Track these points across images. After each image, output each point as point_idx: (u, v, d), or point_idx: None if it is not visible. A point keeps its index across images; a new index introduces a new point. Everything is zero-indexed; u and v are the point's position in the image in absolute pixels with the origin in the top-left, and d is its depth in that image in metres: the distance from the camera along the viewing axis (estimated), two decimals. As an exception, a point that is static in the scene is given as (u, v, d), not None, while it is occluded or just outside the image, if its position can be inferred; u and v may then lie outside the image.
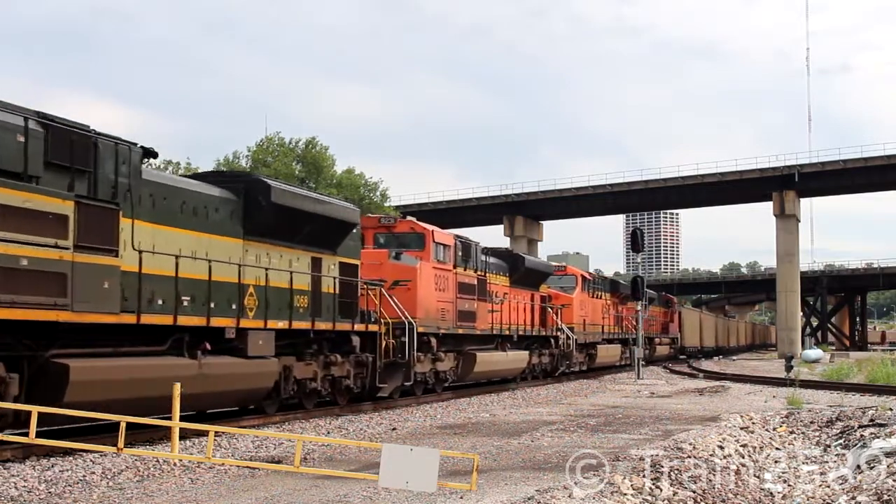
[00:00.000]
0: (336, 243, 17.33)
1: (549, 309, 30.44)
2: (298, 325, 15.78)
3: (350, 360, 17.59)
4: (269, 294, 14.92)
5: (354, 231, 18.08)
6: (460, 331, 22.48)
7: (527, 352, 27.79)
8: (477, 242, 24.69)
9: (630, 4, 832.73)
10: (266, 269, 14.97)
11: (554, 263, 35.48)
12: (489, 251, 26.54)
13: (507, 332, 26.01)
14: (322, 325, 16.52)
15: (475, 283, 23.62)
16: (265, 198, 14.77)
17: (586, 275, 37.06)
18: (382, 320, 18.52)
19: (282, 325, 15.26)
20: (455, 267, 22.41)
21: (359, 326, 17.74)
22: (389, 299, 19.08)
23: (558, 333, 30.84)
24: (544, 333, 29.82)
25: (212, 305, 13.53)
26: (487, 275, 24.74)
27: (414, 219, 22.96)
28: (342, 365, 17.34)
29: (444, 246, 22.07)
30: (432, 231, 21.70)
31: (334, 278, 17.12)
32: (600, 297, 38.53)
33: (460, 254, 22.79)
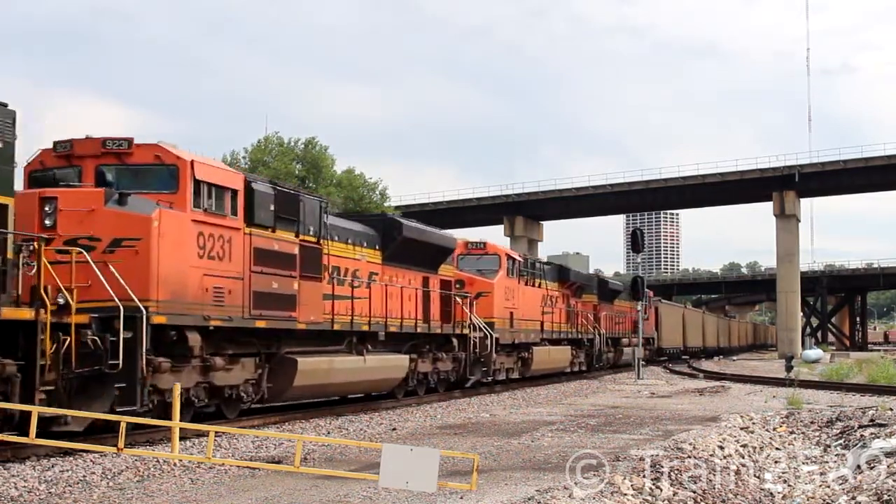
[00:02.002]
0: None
1: (459, 299, 23.12)
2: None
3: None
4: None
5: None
6: (259, 323, 14.60)
7: (405, 356, 19.97)
8: (322, 199, 17.71)
9: (630, 4, 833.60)
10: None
11: (472, 239, 27.25)
12: (354, 217, 21.41)
13: (368, 328, 18.32)
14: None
15: (294, 252, 15.56)
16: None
17: (516, 255, 28.56)
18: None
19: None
20: (251, 225, 14.43)
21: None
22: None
23: (466, 331, 23.13)
24: (441, 331, 21.91)
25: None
26: (329, 243, 17.04)
27: (173, 145, 13.78)
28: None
29: (219, 189, 13.93)
30: (191, 162, 13.48)
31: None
32: (539, 286, 30.13)
33: (264, 205, 14.79)
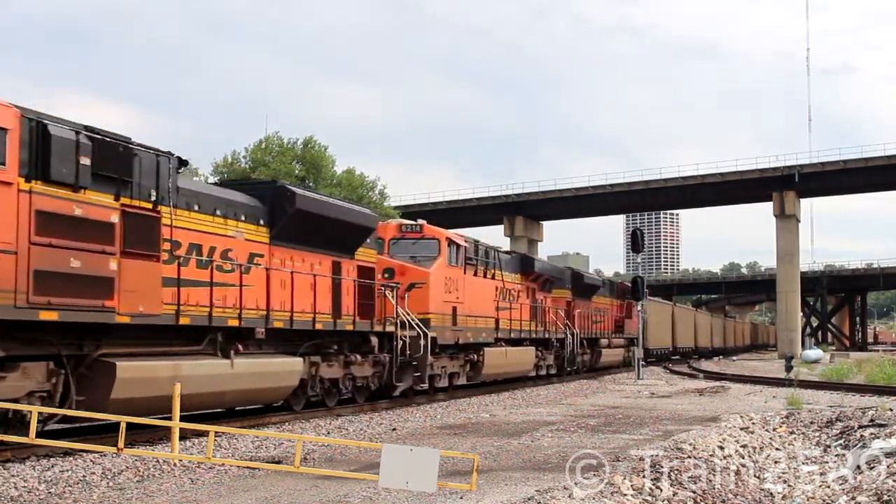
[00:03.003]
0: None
1: (387, 291, 19.42)
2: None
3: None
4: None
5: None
6: (46, 314, 10.86)
7: (297, 359, 16.11)
8: (170, 155, 13.29)
9: (631, 4, 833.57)
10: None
11: (406, 221, 23.65)
12: (231, 184, 17.23)
13: (239, 324, 14.47)
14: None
15: (112, 220, 11.82)
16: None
17: (460, 241, 23.40)
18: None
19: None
20: (38, 180, 10.89)
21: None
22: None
23: (393, 329, 19.35)
24: (353, 328, 17.75)
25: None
26: (179, 212, 13.40)
27: None
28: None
29: None
30: None
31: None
32: (493, 277, 25.81)
33: (64, 156, 11.15)
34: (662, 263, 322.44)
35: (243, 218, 14.95)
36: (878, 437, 12.47)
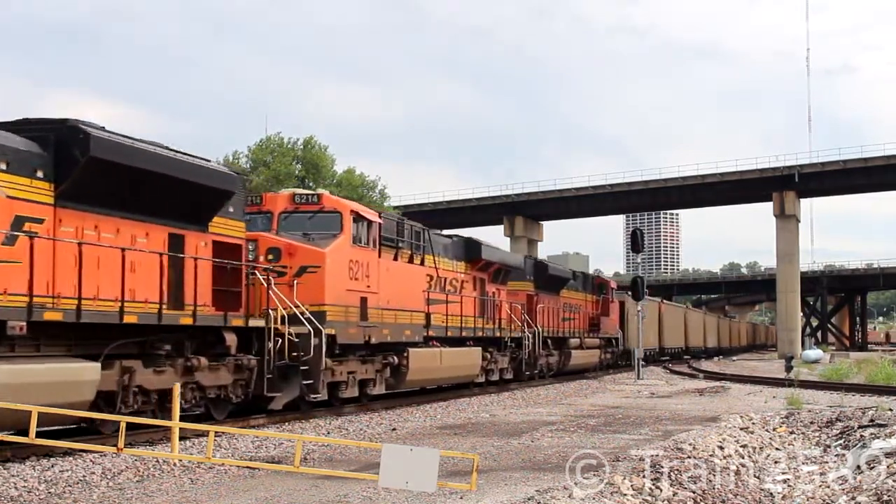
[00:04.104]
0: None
1: (262, 275, 15.22)
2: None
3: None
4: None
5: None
6: None
7: (85, 364, 11.53)
8: None
9: (632, 4, 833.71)
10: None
11: (301, 191, 18.74)
12: None
13: None
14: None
15: None
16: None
17: (371, 215, 18.83)
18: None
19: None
20: None
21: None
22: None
23: (258, 322, 14.90)
24: (190, 321, 13.29)
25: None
26: None
27: None
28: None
29: None
30: None
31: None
32: (424, 263, 21.30)
33: None
34: (662, 263, 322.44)
35: (3, 167, 10.78)
36: (878, 437, 12.47)
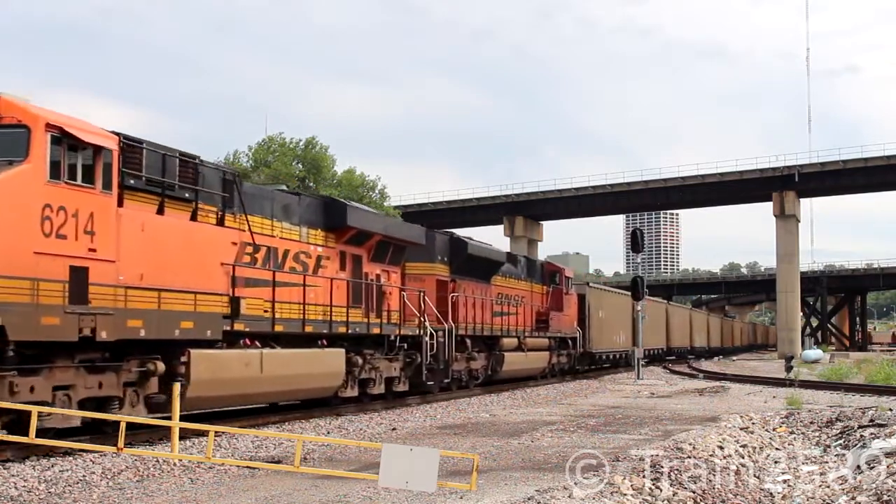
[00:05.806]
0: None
1: None
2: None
3: None
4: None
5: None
6: None
7: None
8: None
9: (635, 5, 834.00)
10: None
11: None
12: None
13: None
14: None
15: None
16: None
17: (93, 136, 11.59)
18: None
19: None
20: None
21: None
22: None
23: None
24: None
25: None
26: None
27: None
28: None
29: None
30: None
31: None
32: (223, 224, 14.39)
33: None
34: (662, 263, 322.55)
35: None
36: (877, 437, 12.48)
